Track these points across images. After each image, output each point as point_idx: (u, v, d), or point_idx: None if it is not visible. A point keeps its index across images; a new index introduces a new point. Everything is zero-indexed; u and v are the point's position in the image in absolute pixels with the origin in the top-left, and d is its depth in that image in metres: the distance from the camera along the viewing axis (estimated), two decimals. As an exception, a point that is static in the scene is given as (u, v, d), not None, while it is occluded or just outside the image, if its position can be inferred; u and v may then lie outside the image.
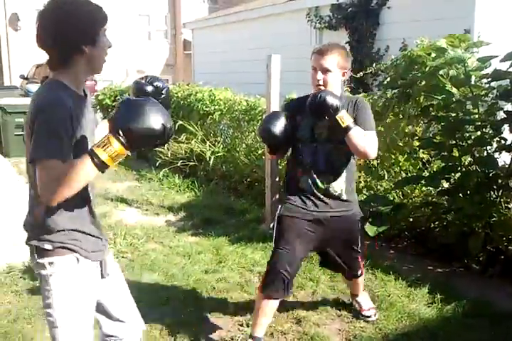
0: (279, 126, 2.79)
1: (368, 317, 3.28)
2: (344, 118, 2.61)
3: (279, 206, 2.91)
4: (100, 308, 2.06)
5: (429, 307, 3.42)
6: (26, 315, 3.31)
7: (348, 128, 2.62)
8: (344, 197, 2.85)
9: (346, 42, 9.75)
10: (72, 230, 1.86)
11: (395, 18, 8.81)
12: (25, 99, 9.48)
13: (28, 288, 3.71)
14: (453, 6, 7.46)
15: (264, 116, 2.67)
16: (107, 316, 2.10)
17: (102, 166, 1.66)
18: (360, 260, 3.10)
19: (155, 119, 1.67)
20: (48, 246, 1.83)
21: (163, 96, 2.19)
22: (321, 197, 2.82)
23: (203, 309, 3.43)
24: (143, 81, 2.24)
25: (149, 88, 2.19)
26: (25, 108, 8.63)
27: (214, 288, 3.73)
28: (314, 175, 2.80)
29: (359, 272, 3.14)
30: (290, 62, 8.64)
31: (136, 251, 4.46)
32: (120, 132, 1.65)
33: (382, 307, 3.38)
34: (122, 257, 4.30)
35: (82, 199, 1.86)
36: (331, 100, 2.54)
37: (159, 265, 4.13)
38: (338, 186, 2.83)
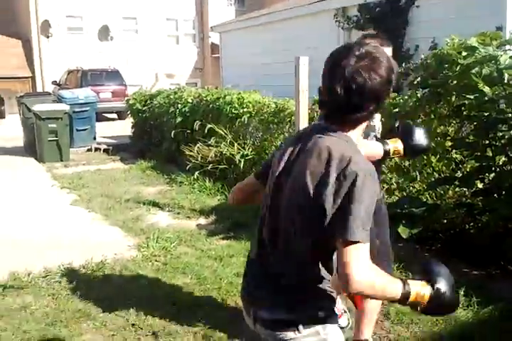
0: None
1: None
2: None
3: None
4: None
5: (464, 310, 3.36)
6: (63, 318, 3.36)
7: None
8: None
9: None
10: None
11: (424, 17, 8.73)
12: (58, 105, 9.66)
13: (64, 292, 3.77)
14: (484, 3, 7.36)
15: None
16: None
17: (402, 302, 1.51)
18: None
19: None
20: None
21: None
22: None
23: (236, 312, 3.43)
24: None
25: None
26: (58, 114, 8.79)
27: (246, 291, 3.73)
28: None
29: None
30: (318, 63, 8.63)
31: (169, 255, 4.50)
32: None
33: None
34: (155, 261, 4.34)
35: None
36: None
37: (192, 268, 4.16)
38: None
